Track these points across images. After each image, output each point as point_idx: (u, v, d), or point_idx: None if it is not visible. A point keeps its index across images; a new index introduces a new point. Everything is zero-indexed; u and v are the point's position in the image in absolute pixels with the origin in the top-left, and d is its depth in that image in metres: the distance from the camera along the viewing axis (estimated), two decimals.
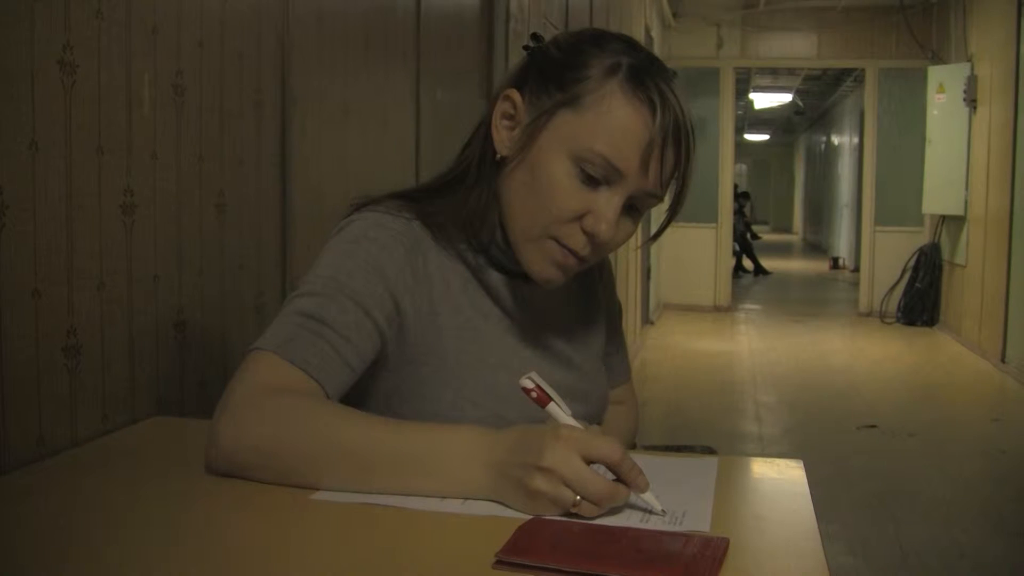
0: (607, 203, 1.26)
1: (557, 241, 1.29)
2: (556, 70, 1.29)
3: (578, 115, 1.25)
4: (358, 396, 1.31)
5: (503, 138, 1.33)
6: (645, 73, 1.26)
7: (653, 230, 7.96)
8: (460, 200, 1.36)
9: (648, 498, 1.09)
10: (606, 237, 1.27)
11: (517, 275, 1.39)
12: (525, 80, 1.33)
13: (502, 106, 1.33)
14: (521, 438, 1.10)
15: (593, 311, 1.57)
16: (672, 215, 1.37)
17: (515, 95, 1.32)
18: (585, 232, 1.28)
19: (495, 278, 1.39)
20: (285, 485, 1.14)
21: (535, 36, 1.38)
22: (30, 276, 1.29)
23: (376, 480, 1.12)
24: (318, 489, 1.14)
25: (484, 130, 1.37)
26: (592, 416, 1.50)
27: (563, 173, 1.26)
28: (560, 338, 1.47)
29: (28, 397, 1.30)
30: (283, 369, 1.20)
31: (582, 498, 1.05)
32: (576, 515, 1.06)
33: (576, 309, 1.53)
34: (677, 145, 1.27)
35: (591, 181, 1.26)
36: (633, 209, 1.31)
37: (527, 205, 1.30)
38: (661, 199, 1.32)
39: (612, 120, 1.24)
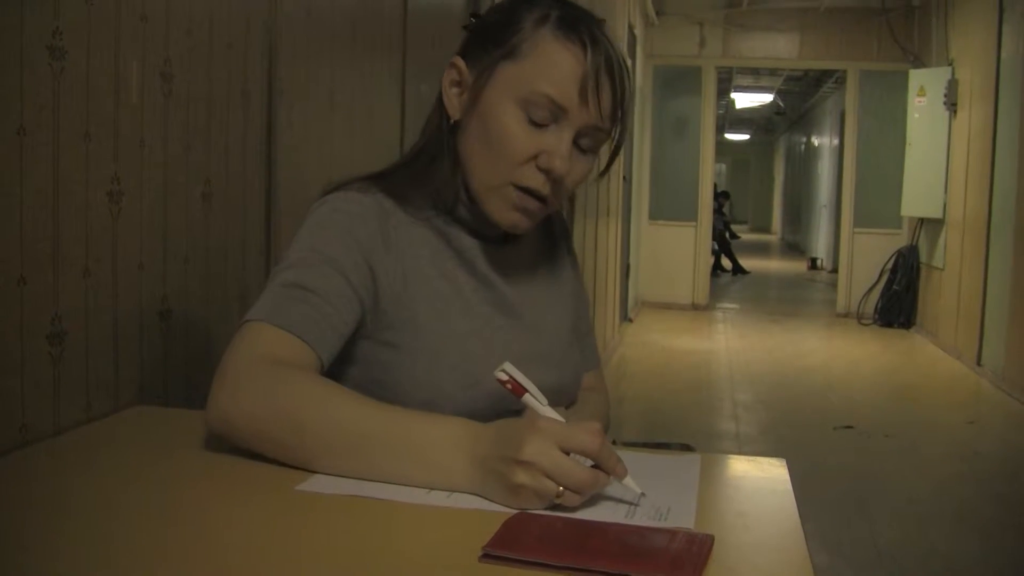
0: (557, 139, 1.34)
1: (516, 186, 1.36)
2: (493, 31, 1.38)
3: (517, 64, 1.34)
4: (339, 362, 1.35)
5: (454, 103, 1.41)
6: (574, 19, 1.35)
7: (632, 226, 7.85)
8: (423, 170, 1.43)
9: (628, 482, 1.10)
10: (561, 171, 1.34)
11: (486, 236, 1.46)
12: (465, 47, 1.43)
13: (449, 75, 1.42)
14: (501, 432, 1.11)
15: (560, 281, 1.62)
16: (618, 147, 1.44)
17: (459, 62, 1.41)
18: (541, 171, 1.35)
19: (466, 243, 1.45)
20: (276, 460, 1.16)
21: (475, 15, 1.47)
22: (16, 262, 1.29)
23: (363, 463, 1.14)
24: (306, 469, 1.15)
25: (438, 103, 1.45)
26: (565, 385, 1.53)
27: (512, 119, 1.34)
28: (530, 305, 1.51)
29: (11, 384, 1.30)
30: (276, 335, 1.24)
31: (564, 488, 1.06)
32: (559, 507, 1.06)
33: (544, 278, 1.58)
34: (612, 78, 1.35)
35: (539, 122, 1.34)
36: (586, 146, 1.38)
37: (484, 157, 1.37)
38: (609, 133, 1.39)
39: (548, 61, 1.33)
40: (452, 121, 1.42)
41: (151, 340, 1.62)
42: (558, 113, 1.33)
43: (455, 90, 1.41)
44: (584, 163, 1.39)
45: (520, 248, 1.53)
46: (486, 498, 1.10)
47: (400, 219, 1.39)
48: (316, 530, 1.02)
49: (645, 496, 1.10)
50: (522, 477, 1.06)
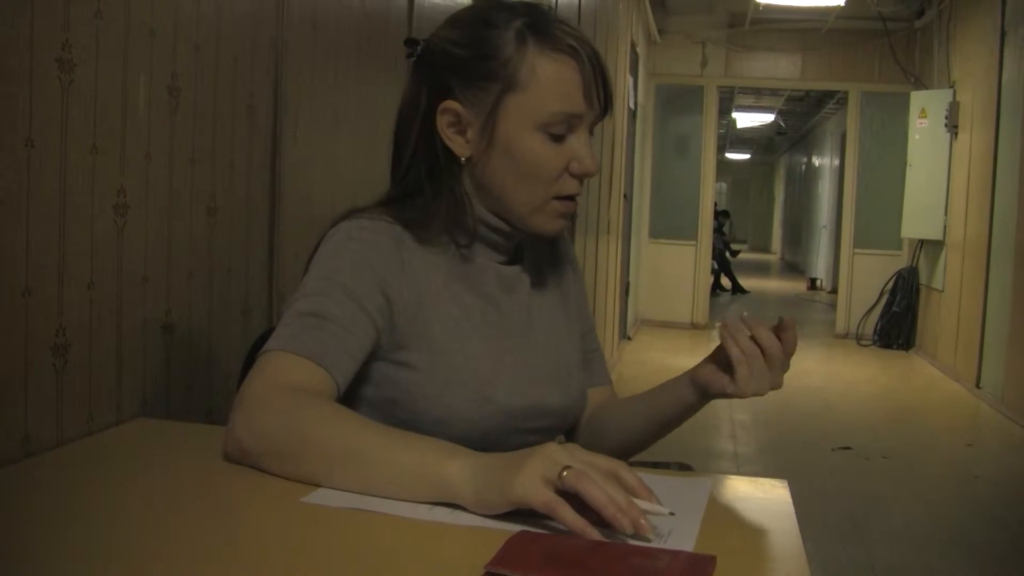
0: (580, 144, 1.41)
1: (557, 197, 1.42)
2: (475, 66, 1.39)
3: (522, 93, 1.37)
4: (355, 382, 1.36)
5: (460, 144, 1.42)
6: (547, 26, 1.39)
7: (632, 244, 7.79)
8: (434, 204, 1.44)
9: (648, 506, 1.08)
10: (593, 169, 1.42)
11: (501, 251, 1.49)
12: (447, 87, 1.41)
13: (444, 119, 1.42)
14: (507, 453, 1.11)
15: (567, 299, 1.65)
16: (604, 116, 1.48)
17: (453, 104, 1.41)
18: (574, 175, 1.42)
19: (479, 264, 1.47)
20: (286, 477, 1.17)
21: (412, 42, 1.47)
22: (21, 273, 1.29)
23: (361, 475, 1.15)
24: (316, 484, 1.15)
25: (421, 141, 1.44)
26: (570, 406, 1.56)
27: (537, 144, 1.38)
28: (538, 325, 1.54)
29: (15, 395, 1.30)
30: (292, 363, 1.27)
31: (574, 467, 1.04)
32: (563, 528, 1.06)
33: (552, 297, 1.60)
34: (604, 72, 1.41)
35: (559, 136, 1.39)
36: (593, 131, 1.45)
37: (520, 186, 1.41)
38: (608, 115, 1.46)
39: (550, 81, 1.37)
40: (463, 160, 1.42)
41: (154, 353, 1.62)
42: (574, 121, 1.39)
43: (453, 130, 1.42)
44: (594, 148, 1.45)
45: (529, 267, 1.55)
46: (481, 499, 1.08)
47: (412, 244, 1.41)
48: (319, 543, 1.02)
49: (674, 514, 1.09)
50: (532, 458, 1.06)
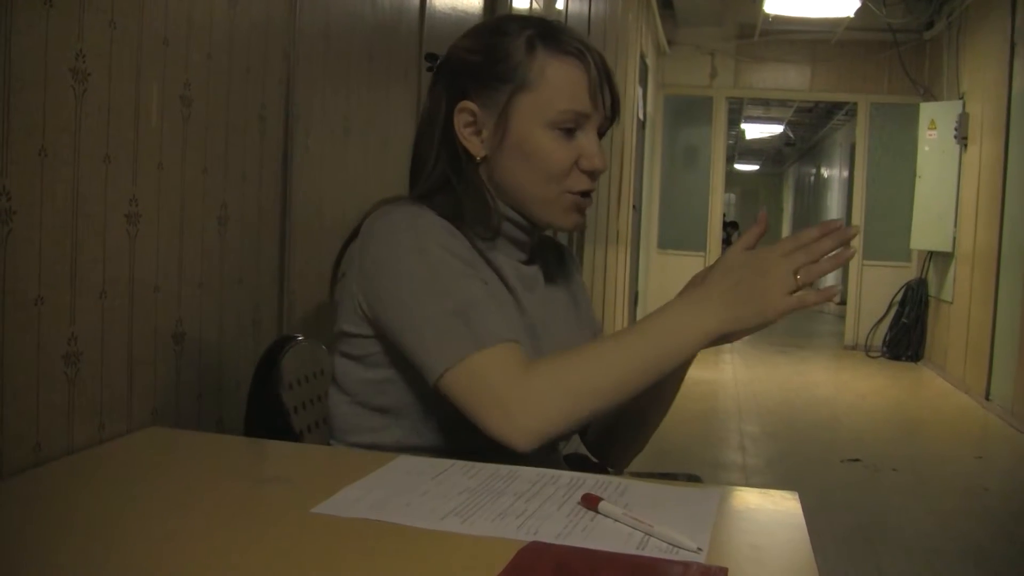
0: (589, 141, 1.49)
1: (569, 192, 1.49)
2: (488, 69, 1.48)
3: (532, 92, 1.46)
4: (352, 358, 1.44)
5: (476, 144, 1.49)
6: (555, 33, 1.48)
7: (640, 255, 7.82)
8: (458, 202, 1.48)
9: (681, 539, 1.08)
10: (603, 166, 1.50)
11: (521, 247, 1.55)
12: (463, 90, 1.49)
13: (461, 118, 1.49)
14: (739, 283, 1.35)
15: (578, 304, 1.71)
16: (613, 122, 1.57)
17: (470, 104, 1.49)
18: (584, 172, 1.49)
19: (503, 263, 1.52)
20: (299, 482, 1.21)
21: (432, 56, 1.56)
22: (34, 282, 1.29)
23: (648, 365, 1.33)
24: (620, 398, 1.32)
25: (442, 145, 1.50)
26: None
27: (547, 140, 1.46)
28: (553, 325, 1.58)
29: (27, 403, 1.30)
30: (491, 356, 1.32)
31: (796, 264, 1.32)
32: (573, 535, 1.06)
33: (564, 301, 1.67)
34: (608, 74, 1.50)
35: (569, 133, 1.47)
36: (602, 135, 1.54)
37: (532, 179, 1.48)
38: (616, 120, 1.55)
39: (559, 80, 1.46)
40: (479, 159, 1.49)
41: (165, 362, 1.62)
42: (582, 120, 1.47)
43: (469, 130, 1.49)
44: (604, 148, 1.52)
45: (541, 271, 1.60)
46: (742, 326, 1.33)
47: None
48: (329, 554, 1.02)
49: (701, 550, 1.07)
50: (768, 280, 1.31)
